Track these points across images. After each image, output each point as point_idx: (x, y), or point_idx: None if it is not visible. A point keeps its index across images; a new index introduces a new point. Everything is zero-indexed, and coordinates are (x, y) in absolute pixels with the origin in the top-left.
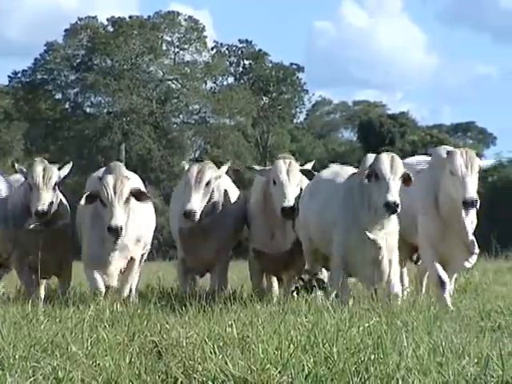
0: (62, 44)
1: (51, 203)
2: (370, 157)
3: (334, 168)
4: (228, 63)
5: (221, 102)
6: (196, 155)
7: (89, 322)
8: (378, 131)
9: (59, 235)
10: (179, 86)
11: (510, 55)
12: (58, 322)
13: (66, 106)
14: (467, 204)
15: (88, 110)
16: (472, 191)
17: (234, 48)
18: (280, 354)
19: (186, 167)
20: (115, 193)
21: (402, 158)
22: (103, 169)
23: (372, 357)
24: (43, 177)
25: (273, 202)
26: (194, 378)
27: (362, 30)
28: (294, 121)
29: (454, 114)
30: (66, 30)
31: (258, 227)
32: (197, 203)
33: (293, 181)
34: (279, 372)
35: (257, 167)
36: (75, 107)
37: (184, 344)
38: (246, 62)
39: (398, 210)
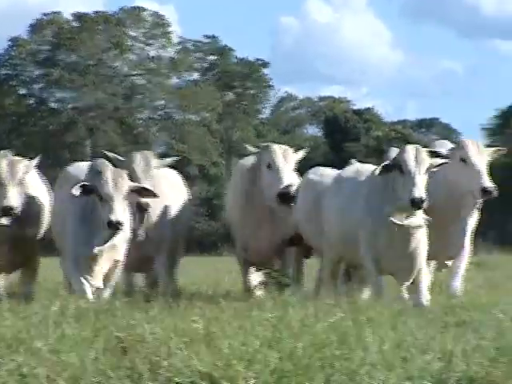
0: (26, 39)
1: (19, 198)
2: (395, 150)
3: (355, 166)
4: (193, 59)
5: (186, 97)
6: (161, 151)
7: (53, 318)
8: (343, 127)
9: (29, 232)
10: (144, 81)
11: (474, 50)
12: (22, 318)
13: (31, 101)
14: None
15: (53, 105)
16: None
17: (200, 44)
18: (245, 349)
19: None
20: (116, 187)
21: (367, 154)
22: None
23: (337, 352)
24: (8, 171)
25: (265, 188)
26: (160, 373)
27: (327, 25)
28: (260, 116)
29: (419, 109)
30: (30, 26)
31: (244, 220)
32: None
33: (289, 165)
34: (245, 367)
35: (252, 148)
36: (40, 103)
37: (149, 340)
38: (212, 58)
39: (425, 206)
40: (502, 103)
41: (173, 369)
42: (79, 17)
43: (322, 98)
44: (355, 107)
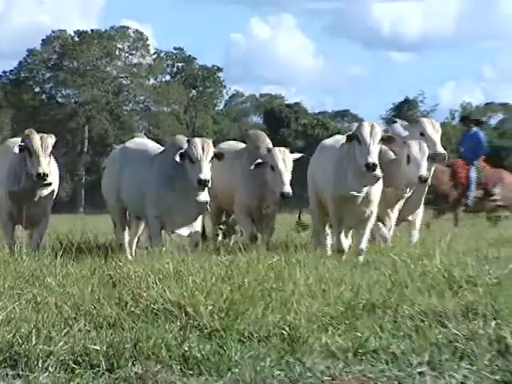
0: (39, 50)
1: (49, 167)
2: (355, 125)
3: (337, 137)
4: (166, 65)
5: (160, 94)
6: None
7: (60, 260)
8: (279, 117)
9: (47, 195)
10: (129, 82)
11: (375, 59)
12: (36, 260)
13: (43, 97)
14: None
15: (60, 100)
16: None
17: (170, 53)
18: (205, 284)
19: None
20: (203, 151)
21: (296, 136)
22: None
23: (274, 286)
24: (40, 144)
25: (271, 186)
26: (140, 302)
27: (266, 39)
28: (216, 108)
29: (334, 103)
30: (42, 40)
31: (249, 187)
32: None
33: (288, 168)
34: (204, 297)
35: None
36: (50, 98)
37: (133, 277)
38: (179, 64)
39: (377, 170)
40: (395, 99)
41: (150, 298)
42: (79, 33)
43: (262, 95)
44: (287, 102)
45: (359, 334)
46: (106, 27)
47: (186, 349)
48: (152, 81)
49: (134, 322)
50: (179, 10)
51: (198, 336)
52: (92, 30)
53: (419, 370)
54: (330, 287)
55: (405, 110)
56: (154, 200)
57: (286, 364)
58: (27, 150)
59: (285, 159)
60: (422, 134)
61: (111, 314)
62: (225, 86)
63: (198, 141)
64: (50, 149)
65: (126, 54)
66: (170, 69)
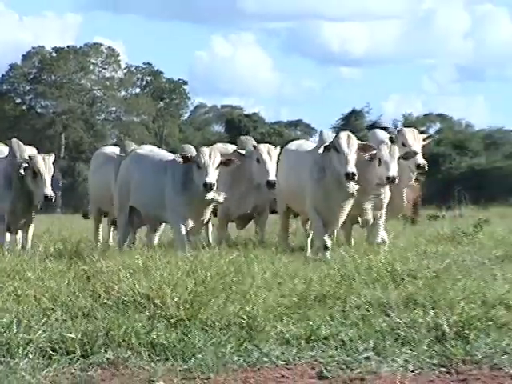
0: (20, 65)
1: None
2: (325, 132)
3: (299, 142)
4: (135, 79)
5: (130, 105)
6: (113, 142)
7: (39, 256)
8: (238, 125)
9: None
10: (102, 94)
11: (325, 73)
12: (18, 256)
13: (24, 107)
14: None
15: (39, 110)
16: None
17: (140, 68)
18: (171, 277)
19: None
20: (210, 158)
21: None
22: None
23: (234, 279)
24: (44, 166)
25: (255, 176)
26: (112, 294)
27: (227, 56)
28: (181, 118)
29: (289, 113)
30: (23, 55)
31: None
32: None
33: (273, 160)
34: (171, 290)
35: (241, 151)
36: (30, 109)
37: (105, 271)
38: (148, 78)
39: (355, 178)
40: (344, 110)
41: (121, 291)
42: (57, 49)
43: (223, 106)
44: (246, 112)
45: (311, 323)
46: (81, 44)
47: (154, 336)
48: (123, 93)
49: (107, 313)
50: (148, 29)
51: (164, 325)
52: (68, 47)
53: (365, 356)
54: (285, 280)
55: (352, 120)
56: (173, 206)
57: (245, 350)
58: (32, 170)
59: (269, 152)
60: (404, 145)
61: (85, 305)
62: (189, 98)
63: (205, 149)
64: (52, 169)
65: (99, 69)
66: (140, 82)
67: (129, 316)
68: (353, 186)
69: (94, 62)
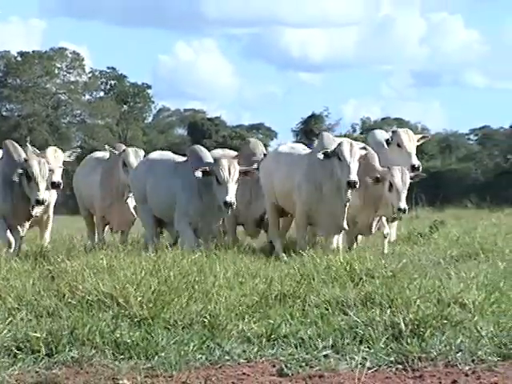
0: None
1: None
2: (326, 135)
3: (289, 144)
4: (100, 82)
5: (95, 108)
6: (77, 145)
7: (4, 257)
8: (201, 129)
9: None
10: (67, 97)
11: (286, 78)
12: None
13: None
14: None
15: (4, 113)
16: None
17: (104, 72)
18: (135, 277)
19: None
20: (229, 173)
21: (216, 147)
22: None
23: (196, 278)
24: (39, 171)
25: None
26: (77, 294)
27: (189, 61)
28: (145, 121)
29: (251, 117)
30: None
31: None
32: None
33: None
34: (134, 289)
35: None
36: None
37: (70, 271)
38: (112, 82)
39: (357, 187)
40: (304, 114)
41: (86, 290)
42: (22, 54)
43: (186, 110)
44: (208, 116)
45: (272, 322)
46: (46, 48)
47: (118, 335)
48: (87, 97)
49: (71, 312)
50: (113, 34)
51: (128, 324)
52: (33, 51)
53: (324, 353)
54: (247, 279)
55: (312, 123)
56: (183, 208)
57: (207, 348)
58: (26, 174)
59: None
60: (399, 145)
61: (50, 304)
62: (153, 102)
63: (225, 163)
64: (47, 174)
65: (64, 73)
66: (104, 86)
67: (93, 315)
68: (350, 194)
69: (59, 66)
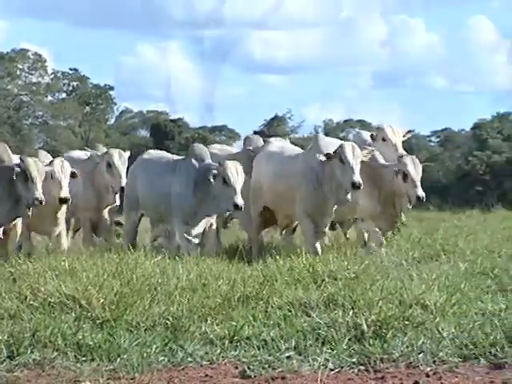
0: None
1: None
2: (321, 137)
3: (278, 143)
4: (62, 84)
5: (57, 110)
6: (39, 146)
7: None
8: (164, 130)
9: None
10: (29, 99)
11: (250, 80)
12: None
13: None
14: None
15: None
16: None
17: (66, 73)
18: (97, 279)
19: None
20: (238, 176)
21: (179, 149)
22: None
23: (159, 280)
24: (37, 171)
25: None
26: (38, 296)
27: (153, 62)
28: (107, 123)
29: (214, 119)
30: None
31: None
32: None
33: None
34: (97, 291)
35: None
36: None
37: (31, 273)
38: (74, 83)
39: (361, 188)
40: (267, 116)
41: (47, 292)
42: None
43: (149, 111)
44: (171, 117)
45: (234, 323)
46: (7, 50)
47: (80, 337)
48: (50, 98)
49: (33, 314)
50: (75, 35)
51: (90, 326)
52: None
53: (287, 355)
54: (209, 281)
55: (275, 125)
56: (179, 205)
57: (170, 350)
58: (23, 174)
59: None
60: (384, 139)
61: (12, 306)
62: (115, 103)
63: (231, 165)
64: (44, 174)
65: (26, 74)
66: (66, 87)
67: (55, 317)
68: (350, 195)
69: (21, 67)
